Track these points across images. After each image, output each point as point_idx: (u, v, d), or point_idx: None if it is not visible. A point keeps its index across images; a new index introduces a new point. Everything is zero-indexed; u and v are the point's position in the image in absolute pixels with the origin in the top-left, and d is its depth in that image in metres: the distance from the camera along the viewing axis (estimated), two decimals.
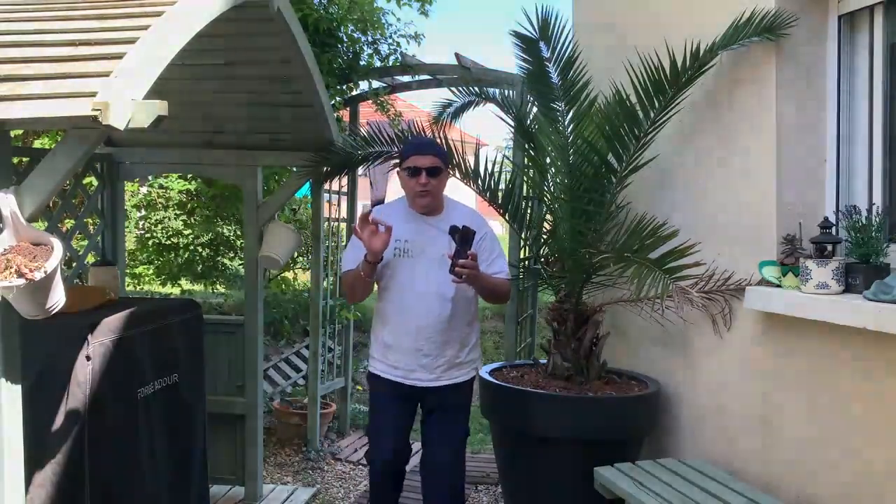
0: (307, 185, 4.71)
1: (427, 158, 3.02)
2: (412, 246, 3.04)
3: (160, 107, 1.72)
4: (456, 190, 4.16)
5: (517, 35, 3.73)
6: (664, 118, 3.27)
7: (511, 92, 4.12)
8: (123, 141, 4.13)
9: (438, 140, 3.73)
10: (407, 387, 3.10)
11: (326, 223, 5.28)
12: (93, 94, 1.62)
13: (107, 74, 1.68)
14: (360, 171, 5.17)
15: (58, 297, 1.76)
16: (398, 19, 17.66)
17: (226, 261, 6.66)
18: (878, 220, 2.58)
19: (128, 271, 6.30)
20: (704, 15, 3.26)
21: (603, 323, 3.63)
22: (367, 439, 3.32)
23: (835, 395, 2.64)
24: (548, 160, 3.76)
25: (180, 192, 6.19)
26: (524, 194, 4.09)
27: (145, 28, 1.85)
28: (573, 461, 3.22)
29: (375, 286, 3.16)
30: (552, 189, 3.75)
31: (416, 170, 3.00)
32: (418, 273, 3.03)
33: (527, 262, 4.89)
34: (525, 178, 4.04)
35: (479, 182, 3.73)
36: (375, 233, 2.88)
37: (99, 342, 2.67)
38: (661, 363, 3.60)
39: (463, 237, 2.86)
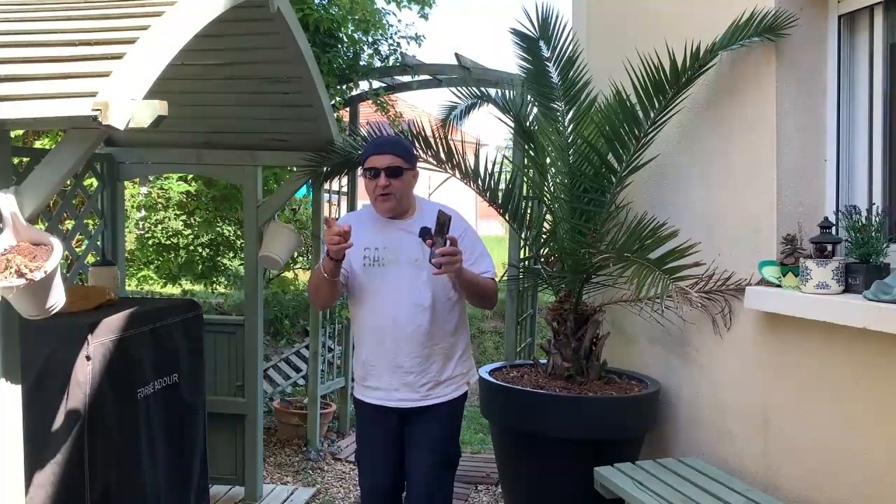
0: (307, 185, 4.71)
1: (385, 158, 2.75)
2: (382, 254, 2.78)
3: (160, 107, 1.72)
4: (456, 190, 4.16)
5: (517, 33, 3.73)
6: (664, 118, 3.27)
7: (510, 92, 4.12)
8: (123, 141, 4.13)
9: (439, 140, 3.73)
10: (391, 410, 2.82)
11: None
12: (93, 94, 1.62)
13: (107, 74, 1.68)
14: (360, 171, 5.17)
15: (58, 297, 1.76)
16: (399, 20, 17.61)
17: (226, 261, 6.67)
18: (878, 220, 2.58)
19: (128, 271, 6.30)
20: (704, 15, 3.26)
21: (603, 323, 3.63)
22: (357, 468, 3.04)
23: (835, 394, 2.64)
24: (548, 160, 3.76)
25: (180, 193, 6.20)
26: (524, 194, 4.09)
27: (145, 28, 1.85)
28: (573, 461, 3.22)
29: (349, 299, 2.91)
30: (552, 189, 3.74)
31: (375, 171, 2.76)
32: (391, 282, 2.77)
33: (527, 262, 4.89)
34: (525, 178, 4.04)
35: (479, 182, 3.73)
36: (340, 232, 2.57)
37: (99, 342, 2.67)
38: (661, 363, 3.60)
39: (438, 225, 2.58)
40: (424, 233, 2.67)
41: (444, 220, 2.58)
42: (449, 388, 2.85)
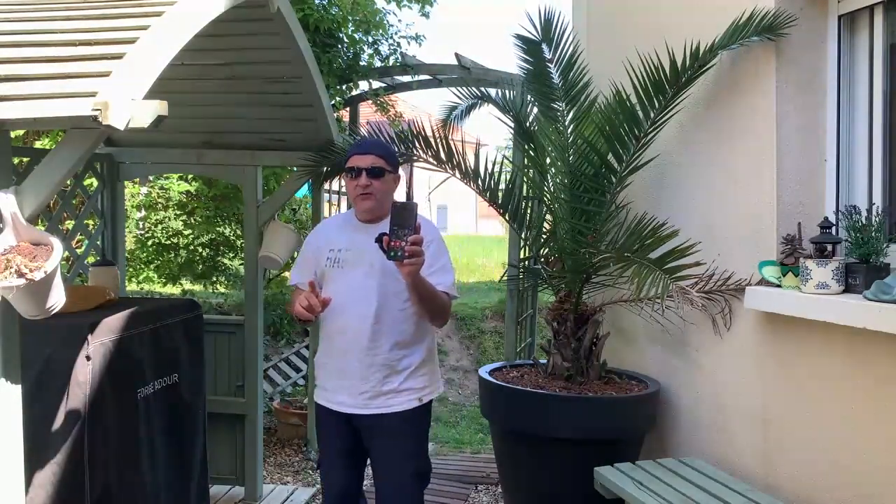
0: (307, 185, 4.72)
1: (367, 158, 2.75)
2: (344, 256, 2.77)
3: (160, 107, 1.72)
4: (456, 190, 4.16)
5: (519, 37, 3.74)
6: (664, 118, 3.27)
7: (510, 92, 4.13)
8: (123, 141, 4.13)
9: (439, 140, 3.73)
10: (337, 413, 2.79)
11: None
12: (93, 94, 1.62)
13: (107, 74, 1.68)
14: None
15: (58, 297, 1.76)
16: (399, 20, 17.62)
17: (226, 261, 6.67)
18: (878, 220, 2.58)
19: (128, 271, 6.30)
20: (704, 15, 3.26)
21: (603, 323, 3.63)
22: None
23: (835, 395, 2.64)
24: (548, 160, 3.77)
25: (180, 193, 6.20)
26: (524, 194, 4.09)
27: (145, 28, 1.85)
28: (573, 461, 3.22)
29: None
30: (552, 189, 3.75)
31: (357, 170, 2.74)
32: (345, 285, 2.74)
33: (527, 262, 4.89)
34: (525, 178, 4.04)
35: (479, 182, 3.73)
36: (312, 294, 2.57)
37: (99, 342, 2.67)
38: (661, 363, 3.60)
39: (399, 212, 2.41)
40: (380, 238, 2.49)
41: (409, 207, 2.43)
42: (395, 401, 2.75)
